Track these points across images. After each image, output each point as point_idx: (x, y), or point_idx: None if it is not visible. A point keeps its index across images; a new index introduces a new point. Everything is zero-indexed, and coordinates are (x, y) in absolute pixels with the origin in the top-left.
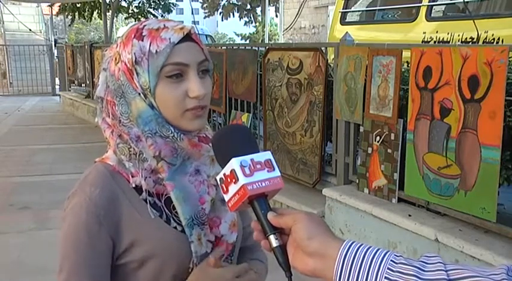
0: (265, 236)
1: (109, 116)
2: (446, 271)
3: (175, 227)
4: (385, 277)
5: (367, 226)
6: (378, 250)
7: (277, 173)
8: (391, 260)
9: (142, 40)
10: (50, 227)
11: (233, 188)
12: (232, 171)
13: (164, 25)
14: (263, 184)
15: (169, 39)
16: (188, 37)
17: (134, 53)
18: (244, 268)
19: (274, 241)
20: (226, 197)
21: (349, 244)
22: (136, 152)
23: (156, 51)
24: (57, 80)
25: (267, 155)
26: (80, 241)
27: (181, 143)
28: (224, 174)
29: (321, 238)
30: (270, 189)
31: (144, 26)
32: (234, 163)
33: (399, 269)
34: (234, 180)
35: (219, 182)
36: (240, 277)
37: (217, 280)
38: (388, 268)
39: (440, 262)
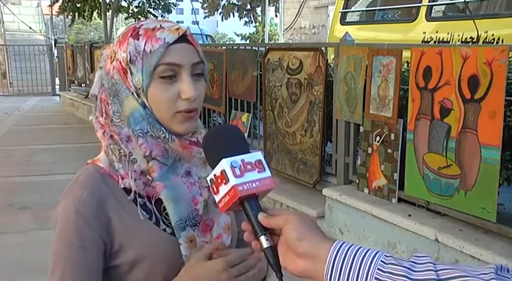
0: (255, 237)
1: (102, 115)
2: (436, 271)
3: (164, 230)
4: (375, 278)
5: (367, 226)
6: (368, 250)
7: (267, 173)
8: (381, 261)
9: (138, 39)
10: (50, 227)
11: (223, 189)
12: (223, 172)
13: (161, 25)
14: (254, 185)
15: (164, 39)
16: (184, 38)
17: (129, 52)
18: (239, 257)
19: (264, 241)
20: (217, 198)
21: (339, 245)
22: (126, 153)
23: (150, 50)
24: (57, 80)
25: (258, 155)
26: (70, 243)
27: (172, 144)
28: (214, 175)
29: (311, 239)
30: (261, 189)
31: (141, 25)
32: (225, 164)
33: (389, 269)
34: (224, 181)
35: (209, 183)
36: (234, 266)
37: (204, 273)
38: (378, 269)
39: (430, 262)
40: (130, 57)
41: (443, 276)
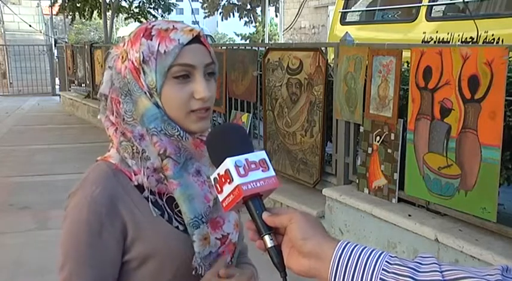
0: (260, 237)
1: (113, 114)
2: (441, 271)
3: (177, 227)
4: (380, 278)
5: (367, 226)
6: (372, 250)
7: (271, 173)
8: (386, 261)
9: (151, 39)
10: (50, 227)
11: (228, 188)
12: (227, 171)
13: (173, 26)
14: (258, 184)
15: (179, 40)
16: (197, 39)
17: (142, 52)
18: (247, 279)
19: (269, 241)
20: (221, 197)
21: (344, 245)
22: (139, 150)
23: (165, 51)
24: (57, 80)
25: (262, 154)
26: (81, 240)
27: (186, 142)
28: (218, 174)
29: (316, 238)
30: (265, 189)
31: (153, 26)
32: (229, 163)
33: (394, 270)
34: (228, 180)
35: (213, 182)
36: None
37: None
38: (383, 269)
39: (435, 263)
40: (143, 57)
41: (449, 277)
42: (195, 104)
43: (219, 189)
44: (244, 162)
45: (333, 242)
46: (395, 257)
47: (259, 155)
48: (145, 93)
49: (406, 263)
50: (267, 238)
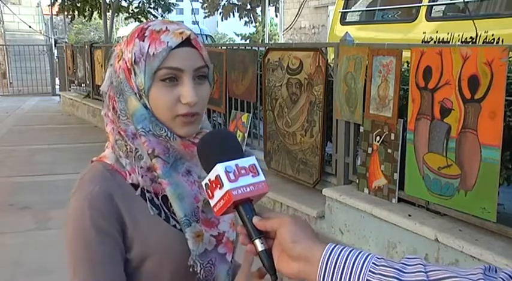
0: (250, 241)
1: (110, 111)
2: (425, 272)
3: (174, 226)
4: (367, 280)
5: (367, 226)
6: (359, 252)
7: (261, 178)
8: (373, 263)
9: (143, 40)
10: (50, 227)
11: (218, 194)
12: (217, 176)
13: (166, 27)
14: (248, 189)
15: (167, 43)
16: (188, 42)
17: (134, 53)
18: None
19: (259, 245)
20: (212, 202)
21: (331, 247)
22: (132, 149)
23: (153, 53)
24: (57, 80)
25: (252, 160)
26: (89, 239)
27: (174, 143)
28: (209, 179)
29: (305, 241)
30: (255, 194)
31: (149, 26)
32: (219, 169)
33: (380, 271)
34: (219, 185)
35: (204, 188)
36: None
37: None
38: (369, 270)
39: (421, 264)
40: (135, 58)
41: (433, 277)
42: (182, 109)
43: (210, 194)
44: (234, 167)
45: (321, 245)
46: (382, 258)
47: (249, 160)
48: (135, 93)
49: (392, 265)
50: (257, 242)
